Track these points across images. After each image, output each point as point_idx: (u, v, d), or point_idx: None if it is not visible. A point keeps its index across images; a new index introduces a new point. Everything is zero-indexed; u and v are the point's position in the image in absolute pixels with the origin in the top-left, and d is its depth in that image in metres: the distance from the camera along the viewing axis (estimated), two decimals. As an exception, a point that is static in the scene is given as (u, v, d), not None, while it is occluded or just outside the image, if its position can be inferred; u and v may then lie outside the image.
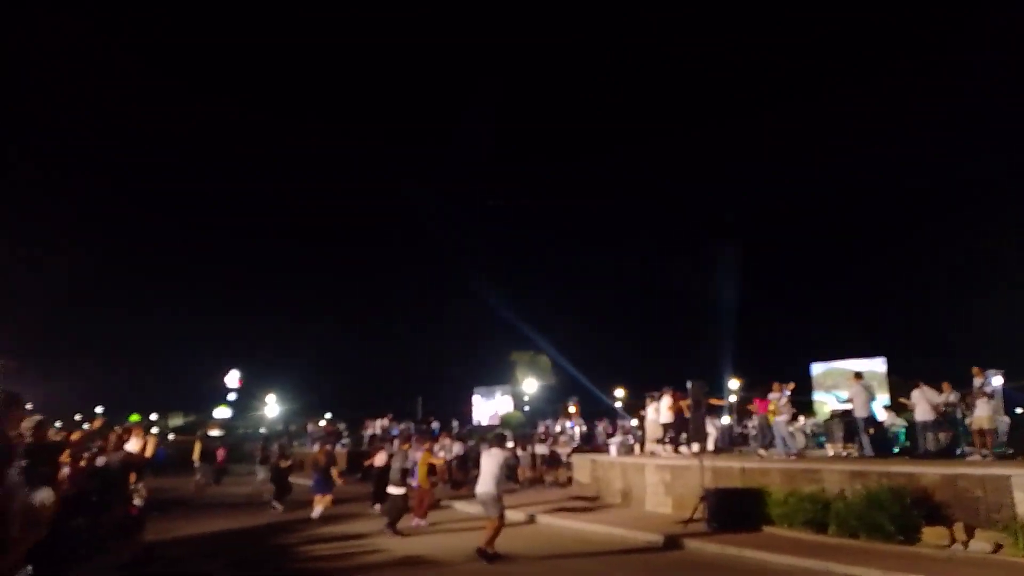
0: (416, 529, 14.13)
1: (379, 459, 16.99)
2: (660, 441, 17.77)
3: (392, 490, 14.05)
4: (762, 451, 16.44)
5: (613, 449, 19.65)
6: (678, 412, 16.96)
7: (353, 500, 18.18)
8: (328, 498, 16.04)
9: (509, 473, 23.92)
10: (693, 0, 71.06)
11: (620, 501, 17.07)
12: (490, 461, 11.32)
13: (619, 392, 43.87)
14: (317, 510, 15.73)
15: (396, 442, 17.81)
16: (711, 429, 17.19)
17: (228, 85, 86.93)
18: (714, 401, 18.62)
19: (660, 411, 17.72)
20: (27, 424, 6.60)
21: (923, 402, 15.20)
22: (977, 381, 15.97)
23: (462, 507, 17.29)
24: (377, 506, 16.25)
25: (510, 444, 18.16)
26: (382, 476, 16.57)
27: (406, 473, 14.32)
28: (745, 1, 66.42)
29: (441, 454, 20.24)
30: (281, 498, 17.76)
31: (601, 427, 30.56)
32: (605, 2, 72.41)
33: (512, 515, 15.28)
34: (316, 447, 27.19)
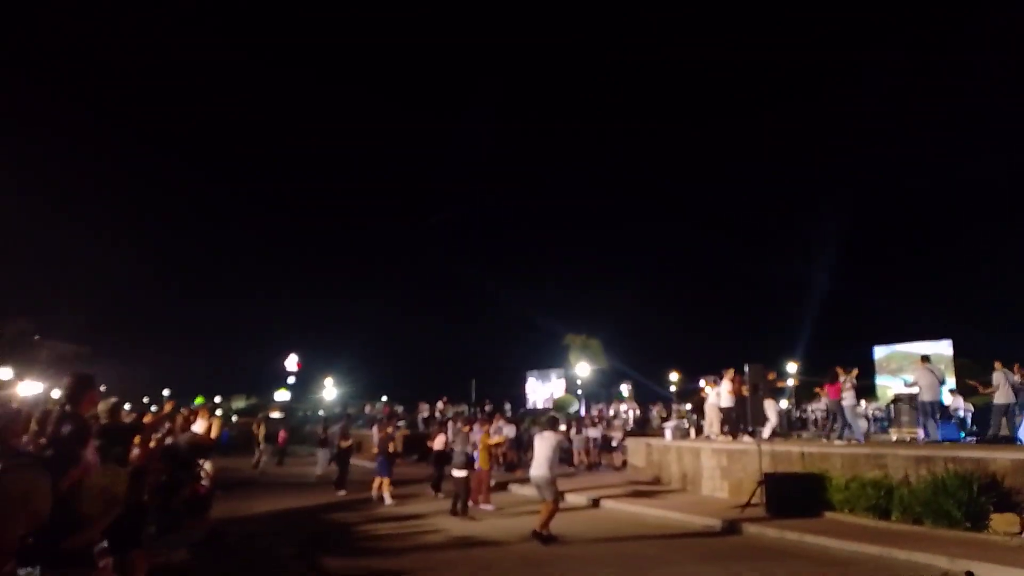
0: (482, 512, 14.14)
1: (438, 442, 17.03)
2: (722, 429, 17.36)
3: (456, 473, 14.05)
4: (838, 440, 15.68)
5: (668, 433, 19.53)
6: (739, 395, 16.64)
7: (412, 482, 18.44)
8: (386, 480, 15.84)
9: (564, 456, 23.99)
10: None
11: (676, 485, 16.97)
12: (543, 445, 11.40)
13: (673, 376, 43.53)
14: (387, 497, 15.47)
15: (457, 424, 17.87)
16: (771, 414, 16.75)
17: (280, 76, 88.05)
18: (780, 384, 18.05)
19: (721, 395, 17.46)
20: (103, 406, 6.86)
21: (1005, 384, 14.63)
22: None
23: (519, 490, 17.40)
24: (440, 494, 16.28)
25: (563, 427, 18.08)
26: (441, 459, 16.64)
27: (469, 456, 14.39)
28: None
29: (495, 436, 20.33)
30: (342, 482, 17.84)
31: (655, 411, 30.41)
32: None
33: (576, 499, 15.39)
34: (374, 429, 27.67)
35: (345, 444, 18.71)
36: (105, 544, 5.73)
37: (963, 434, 16.80)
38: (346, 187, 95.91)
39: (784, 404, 25.13)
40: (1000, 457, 11.05)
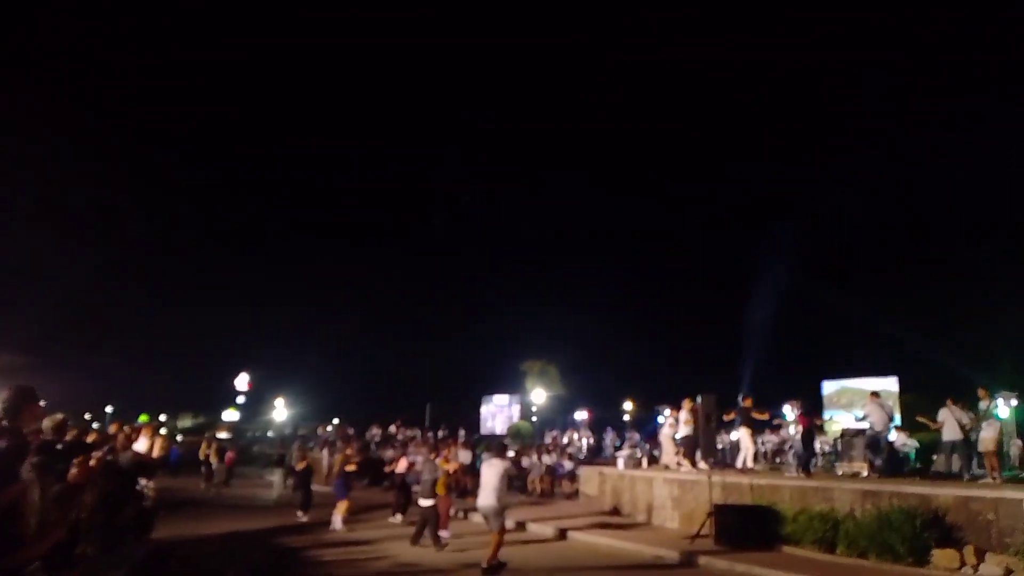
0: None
1: (401, 466, 16.57)
2: (690, 459, 16.96)
3: (423, 502, 13.33)
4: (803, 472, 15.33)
5: (621, 462, 19.58)
6: (697, 425, 16.44)
7: (368, 507, 18.07)
8: (343, 504, 15.24)
9: (519, 484, 23.82)
10: (694, 1, 70.69)
11: (628, 514, 16.98)
12: (491, 472, 10.99)
13: (627, 405, 43.71)
14: (338, 521, 14.96)
15: (409, 448, 17.48)
16: (747, 443, 16.74)
17: (245, 72, 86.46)
18: (757, 414, 17.81)
19: (679, 424, 17.36)
20: (49, 422, 6.64)
21: (951, 421, 14.86)
22: (983, 404, 15.63)
23: (478, 518, 16.91)
24: (398, 516, 15.92)
25: (511, 453, 17.74)
26: (405, 484, 16.22)
27: (435, 483, 13.70)
28: (747, 1, 65.96)
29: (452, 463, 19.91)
30: (307, 504, 16.86)
31: (609, 439, 30.48)
32: (605, 2, 71.97)
33: (540, 529, 15.22)
34: (324, 452, 27.21)
35: (301, 466, 18.21)
36: (38, 564, 5.53)
37: (907, 469, 17.13)
38: (302, 208, 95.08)
39: (734, 436, 25.41)
40: (943, 493, 11.30)
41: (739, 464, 16.59)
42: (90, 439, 10.06)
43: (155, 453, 10.62)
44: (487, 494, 10.87)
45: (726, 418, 15.98)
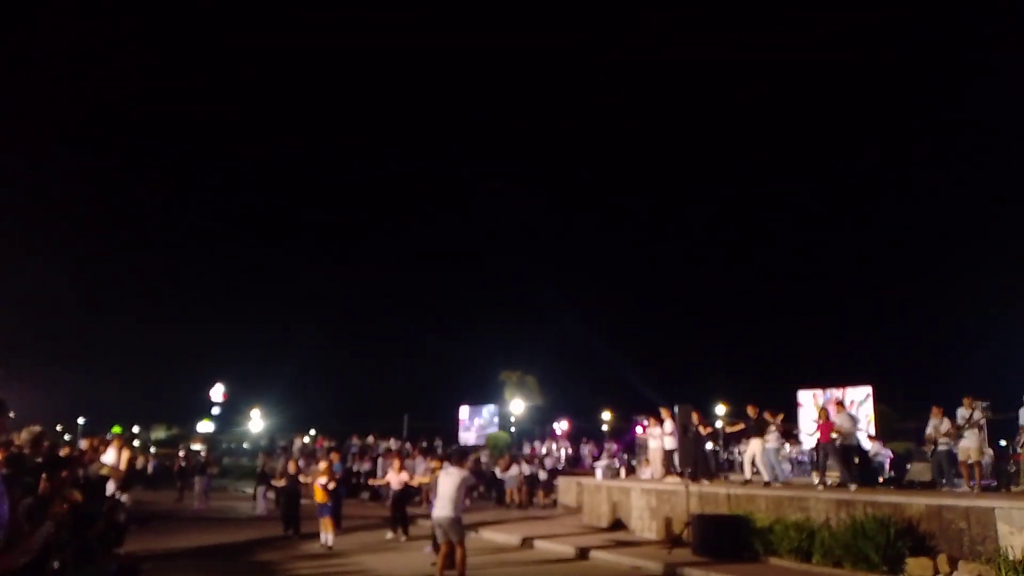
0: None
1: (394, 480, 16.19)
2: (674, 471, 16.54)
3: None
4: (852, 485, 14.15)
5: (599, 472, 19.59)
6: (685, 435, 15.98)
7: (346, 518, 17.83)
8: (329, 519, 14.53)
9: (497, 495, 23.73)
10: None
11: (604, 525, 16.97)
12: (448, 481, 10.25)
13: (606, 415, 43.80)
14: (328, 537, 14.27)
15: (388, 459, 17.01)
16: (759, 453, 16.49)
17: (216, 87, 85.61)
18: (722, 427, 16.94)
19: (663, 436, 17.16)
20: (26, 435, 6.55)
21: (943, 429, 14.87)
22: (965, 412, 15.56)
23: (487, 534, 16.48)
24: (390, 534, 15.59)
25: (481, 460, 17.23)
26: (398, 499, 15.91)
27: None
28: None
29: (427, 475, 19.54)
30: (292, 524, 15.98)
31: (587, 450, 30.52)
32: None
33: (560, 548, 14.51)
34: (302, 463, 26.85)
35: (283, 481, 17.76)
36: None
37: (881, 480, 17.29)
38: (278, 221, 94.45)
39: (710, 446, 25.52)
40: (916, 502, 11.40)
41: (767, 477, 16.03)
42: (63, 452, 9.90)
43: (122, 465, 10.48)
44: (444, 504, 10.13)
45: (729, 430, 15.59)
